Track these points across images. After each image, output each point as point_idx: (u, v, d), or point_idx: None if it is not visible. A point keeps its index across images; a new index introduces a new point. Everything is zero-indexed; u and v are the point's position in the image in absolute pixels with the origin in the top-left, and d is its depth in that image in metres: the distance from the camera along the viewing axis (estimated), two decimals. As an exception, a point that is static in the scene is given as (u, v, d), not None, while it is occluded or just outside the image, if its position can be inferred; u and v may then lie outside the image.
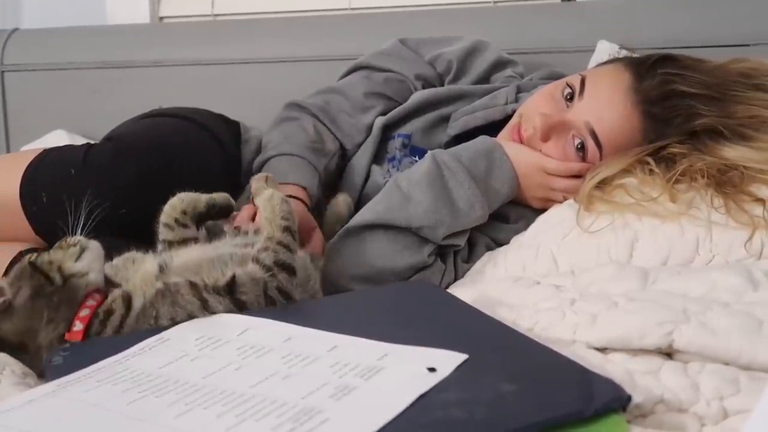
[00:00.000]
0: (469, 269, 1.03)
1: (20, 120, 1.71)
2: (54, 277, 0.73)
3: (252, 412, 0.51)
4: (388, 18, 1.64)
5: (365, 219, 0.98)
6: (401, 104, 1.21)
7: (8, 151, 1.69)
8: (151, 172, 1.01)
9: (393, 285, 0.94)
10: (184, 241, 0.86)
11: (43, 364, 0.68)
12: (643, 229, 0.90)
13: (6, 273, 1.00)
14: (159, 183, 0.94)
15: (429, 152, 1.03)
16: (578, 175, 1.01)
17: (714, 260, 0.86)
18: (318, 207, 1.09)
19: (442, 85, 1.26)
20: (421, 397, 0.51)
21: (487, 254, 1.03)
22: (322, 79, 1.28)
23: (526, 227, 1.02)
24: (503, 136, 1.08)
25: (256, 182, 0.93)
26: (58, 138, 1.55)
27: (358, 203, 1.12)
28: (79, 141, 1.42)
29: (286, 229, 0.81)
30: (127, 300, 0.73)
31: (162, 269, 0.77)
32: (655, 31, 1.40)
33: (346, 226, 1.00)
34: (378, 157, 1.18)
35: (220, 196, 0.91)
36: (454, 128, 1.16)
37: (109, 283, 0.77)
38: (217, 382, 0.57)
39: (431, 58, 1.27)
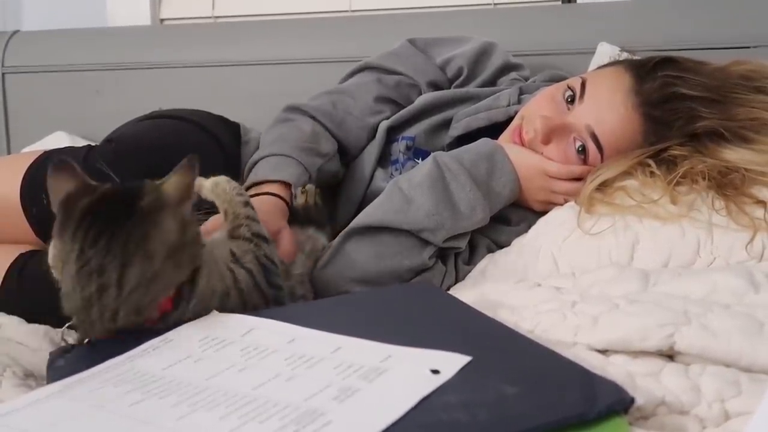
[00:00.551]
0: (470, 271, 1.02)
1: (21, 122, 1.70)
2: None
3: (255, 414, 0.51)
4: (389, 20, 1.63)
5: (366, 221, 0.98)
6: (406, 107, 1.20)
7: (9, 152, 1.69)
8: (151, 173, 1.00)
9: (394, 287, 0.93)
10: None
11: (46, 365, 0.68)
12: (644, 231, 0.90)
13: (7, 274, 1.00)
14: None
15: (431, 154, 1.03)
16: (579, 178, 1.01)
17: (715, 262, 0.86)
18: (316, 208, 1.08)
19: (450, 88, 1.25)
20: (424, 399, 0.51)
21: (488, 256, 1.03)
22: (323, 80, 1.27)
23: (527, 230, 1.02)
24: (505, 139, 1.08)
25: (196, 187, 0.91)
26: (58, 140, 1.55)
27: (361, 206, 1.10)
28: (80, 143, 1.43)
29: (246, 204, 0.83)
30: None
31: None
32: (655, 32, 1.40)
33: (347, 228, 0.99)
34: (382, 160, 1.17)
35: None
36: (456, 129, 1.16)
37: None
38: (220, 383, 0.57)
39: (442, 62, 1.26)
